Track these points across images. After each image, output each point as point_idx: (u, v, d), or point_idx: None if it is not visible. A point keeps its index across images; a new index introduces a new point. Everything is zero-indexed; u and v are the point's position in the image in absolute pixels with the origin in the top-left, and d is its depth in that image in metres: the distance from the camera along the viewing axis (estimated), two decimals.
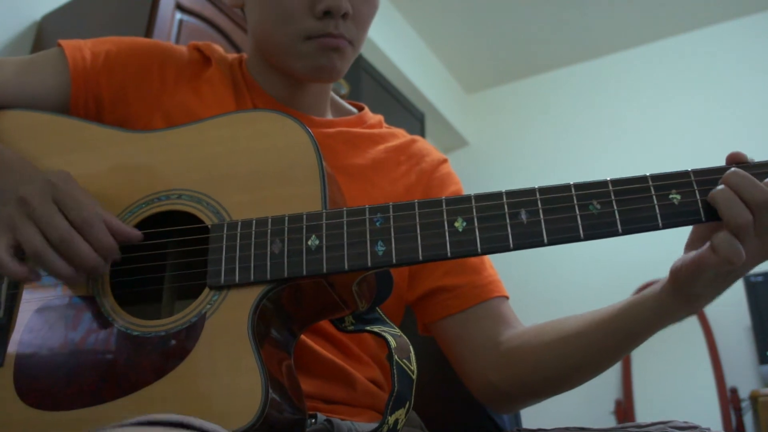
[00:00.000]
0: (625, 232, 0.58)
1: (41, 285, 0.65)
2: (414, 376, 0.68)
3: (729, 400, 2.82)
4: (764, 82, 3.35)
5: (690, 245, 0.64)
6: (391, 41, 3.39)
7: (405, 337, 0.72)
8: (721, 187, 0.56)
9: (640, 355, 3.13)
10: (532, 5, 3.50)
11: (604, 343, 0.74)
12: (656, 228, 0.57)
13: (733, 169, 0.57)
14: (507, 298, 0.87)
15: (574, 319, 0.77)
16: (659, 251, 3.24)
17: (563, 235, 0.57)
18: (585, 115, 3.79)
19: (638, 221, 0.57)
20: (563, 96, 3.90)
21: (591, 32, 3.70)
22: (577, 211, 0.58)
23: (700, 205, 0.57)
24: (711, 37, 3.59)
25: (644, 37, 3.73)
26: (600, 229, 0.57)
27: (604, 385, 3.15)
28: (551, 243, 0.57)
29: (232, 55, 0.92)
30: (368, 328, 0.70)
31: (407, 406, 0.66)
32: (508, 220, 0.58)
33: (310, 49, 0.79)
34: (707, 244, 0.58)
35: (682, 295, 0.64)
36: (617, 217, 0.57)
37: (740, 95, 3.38)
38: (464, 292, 0.84)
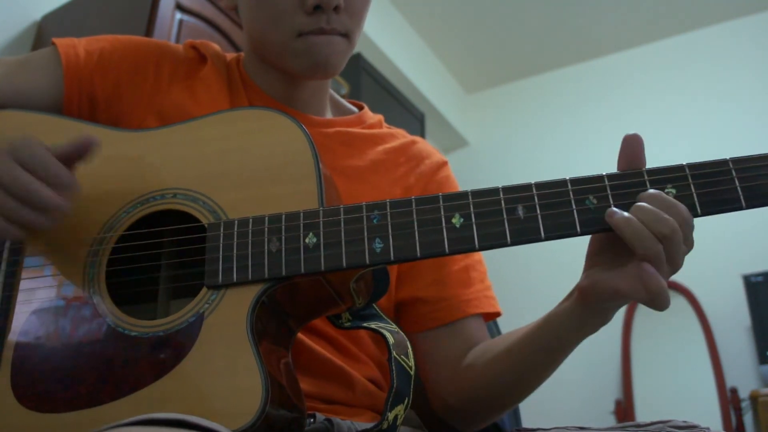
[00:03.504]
0: None
1: (37, 287, 0.65)
2: (412, 372, 0.68)
3: (729, 400, 2.81)
4: (764, 82, 3.35)
5: (593, 255, 0.63)
6: (391, 41, 3.39)
7: (402, 333, 0.72)
8: (626, 215, 0.56)
9: (640, 355, 3.13)
10: (532, 5, 3.49)
11: (529, 359, 0.74)
12: None
13: (638, 204, 0.57)
14: (492, 314, 0.87)
15: (507, 337, 0.78)
16: None
17: (560, 230, 0.58)
18: (585, 115, 3.79)
19: None
20: (563, 96, 3.90)
21: (591, 32, 3.70)
22: (574, 206, 0.58)
23: (696, 199, 0.57)
24: (711, 37, 3.59)
25: (644, 37, 3.73)
26: (597, 223, 0.58)
27: (604, 385, 3.15)
28: (548, 238, 0.57)
29: (230, 54, 0.92)
30: (365, 324, 0.70)
31: (406, 402, 0.66)
32: (505, 216, 0.58)
33: (304, 45, 0.78)
34: (622, 272, 0.58)
35: (595, 311, 0.65)
36: None
37: (740, 95, 3.38)
38: (445, 306, 0.84)
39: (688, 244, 0.58)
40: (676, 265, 0.58)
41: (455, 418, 0.84)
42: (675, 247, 0.56)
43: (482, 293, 0.87)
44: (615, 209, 0.57)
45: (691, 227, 0.57)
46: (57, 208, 0.61)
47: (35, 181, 0.60)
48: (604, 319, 0.66)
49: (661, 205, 0.56)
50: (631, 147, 0.60)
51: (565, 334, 0.69)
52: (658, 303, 0.57)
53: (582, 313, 0.66)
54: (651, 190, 0.57)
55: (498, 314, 0.88)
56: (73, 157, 0.63)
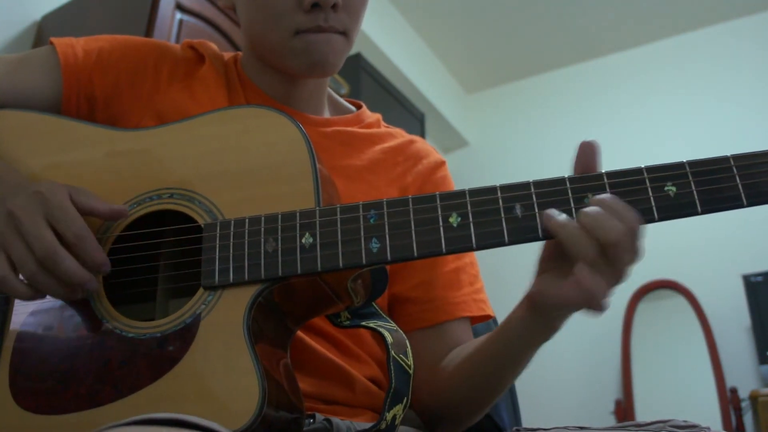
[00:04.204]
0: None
1: None
2: (411, 371, 0.68)
3: (729, 400, 2.81)
4: (764, 82, 3.34)
5: (543, 262, 0.62)
6: (391, 41, 3.39)
7: (401, 331, 0.71)
8: (562, 219, 0.55)
9: (640, 355, 3.13)
10: (532, 5, 3.49)
11: (485, 368, 0.74)
12: (652, 220, 0.56)
13: (583, 209, 0.55)
14: (480, 317, 0.86)
15: (471, 345, 0.77)
16: (659, 247, 3.25)
17: None
18: (585, 115, 3.79)
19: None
20: (563, 96, 3.90)
21: (591, 32, 3.70)
22: (573, 205, 0.57)
23: (696, 196, 0.56)
24: (711, 37, 3.59)
25: (644, 37, 3.73)
26: None
27: (604, 385, 3.15)
28: (547, 237, 0.57)
29: (228, 54, 0.92)
30: (364, 323, 0.69)
31: (405, 401, 0.66)
32: (503, 215, 0.58)
33: (302, 44, 0.78)
34: (570, 280, 0.56)
35: (543, 320, 0.64)
36: None
37: (740, 95, 3.38)
38: (432, 308, 0.84)
39: (637, 254, 0.57)
40: (619, 275, 0.56)
41: (431, 419, 0.83)
42: (618, 254, 0.55)
43: (471, 296, 0.86)
44: (552, 213, 0.56)
45: (637, 236, 0.56)
46: (82, 287, 0.60)
47: (66, 254, 0.58)
48: (553, 327, 0.65)
49: (609, 209, 0.55)
50: (586, 154, 0.59)
51: (516, 342, 0.69)
52: (593, 303, 0.55)
53: (531, 321, 0.65)
54: (603, 195, 0.56)
55: (488, 317, 0.88)
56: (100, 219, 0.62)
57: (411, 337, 0.83)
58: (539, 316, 0.64)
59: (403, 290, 0.85)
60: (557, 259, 0.60)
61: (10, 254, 0.59)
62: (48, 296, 0.62)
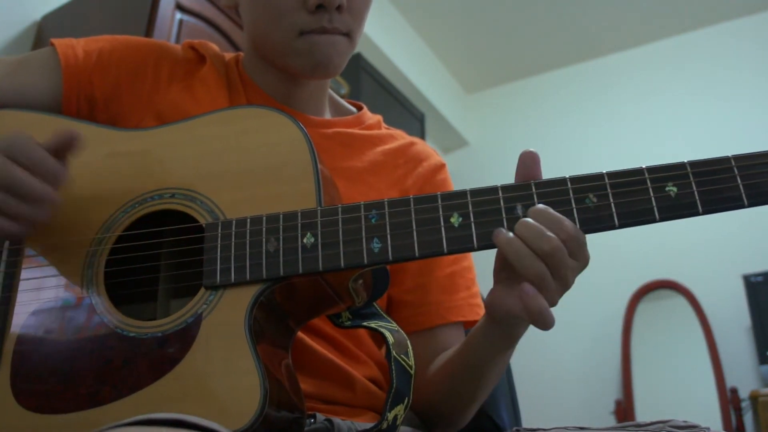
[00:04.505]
0: (622, 226, 0.57)
1: (36, 288, 0.65)
2: (412, 372, 0.68)
3: (729, 400, 2.81)
4: (764, 82, 3.35)
5: (496, 272, 0.63)
6: (391, 41, 3.39)
7: (402, 332, 0.72)
8: (509, 236, 0.56)
9: (640, 355, 3.13)
10: (532, 5, 3.49)
11: (461, 374, 0.75)
12: (653, 221, 0.57)
13: (522, 220, 0.56)
14: (474, 322, 0.86)
15: (451, 350, 0.78)
16: (660, 247, 3.25)
17: None
18: (585, 115, 3.79)
19: (635, 214, 0.57)
20: (563, 96, 3.90)
21: (591, 32, 3.70)
22: (574, 205, 0.57)
23: (696, 196, 0.56)
24: (711, 37, 3.59)
25: (644, 37, 3.73)
26: (597, 222, 0.57)
27: (604, 385, 3.15)
28: None
29: (228, 54, 0.92)
30: (365, 323, 0.70)
31: (406, 401, 0.66)
32: (504, 215, 0.58)
33: (306, 44, 0.78)
34: (515, 294, 0.58)
35: (501, 328, 0.66)
36: (614, 210, 0.57)
37: (740, 95, 3.38)
38: (425, 311, 0.84)
39: (581, 260, 0.58)
40: (565, 283, 0.57)
41: (425, 419, 0.84)
42: (559, 264, 0.55)
43: (467, 301, 0.87)
44: (501, 230, 0.56)
45: (580, 243, 0.56)
46: (52, 201, 0.62)
47: (30, 176, 0.61)
48: (511, 336, 0.66)
49: (546, 220, 0.55)
50: (526, 164, 0.60)
51: (482, 350, 0.70)
52: (540, 323, 0.56)
53: (490, 330, 0.67)
54: (538, 206, 0.57)
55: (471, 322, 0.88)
56: (60, 151, 0.64)
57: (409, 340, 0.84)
58: (496, 326, 0.66)
59: (399, 293, 0.85)
60: (506, 270, 0.61)
61: None
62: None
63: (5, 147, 0.62)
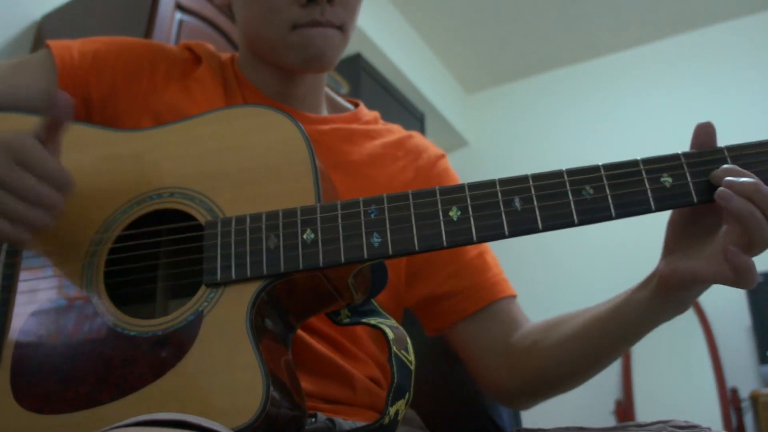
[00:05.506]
0: (619, 216, 0.58)
1: (36, 288, 0.65)
2: (412, 367, 0.68)
3: (729, 400, 2.81)
4: (764, 81, 3.35)
5: (671, 241, 0.64)
6: (391, 41, 3.39)
7: (402, 328, 0.72)
8: (749, 205, 0.55)
9: (640, 354, 3.13)
10: (532, 5, 3.49)
11: (599, 344, 0.74)
12: (649, 211, 0.58)
13: (747, 181, 0.55)
14: (514, 296, 0.87)
15: (572, 320, 0.77)
16: (660, 246, 3.24)
17: (557, 220, 0.58)
18: (585, 115, 3.79)
19: (631, 205, 0.58)
20: (563, 96, 3.90)
21: (591, 32, 3.70)
22: (571, 197, 0.58)
23: (691, 187, 0.58)
24: (711, 37, 3.59)
25: (644, 37, 3.73)
26: (594, 213, 0.58)
27: (604, 385, 3.15)
28: (546, 229, 0.58)
29: (225, 54, 0.92)
30: (365, 320, 0.70)
31: (407, 397, 0.66)
32: (502, 208, 0.58)
33: (299, 38, 0.78)
34: (701, 256, 0.58)
35: (674, 301, 0.65)
36: (610, 201, 0.58)
37: (740, 95, 3.38)
38: (470, 295, 0.84)
39: None
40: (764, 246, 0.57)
41: (512, 399, 0.84)
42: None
43: (501, 276, 0.87)
44: (725, 190, 0.55)
45: None
46: (58, 207, 0.61)
47: (37, 181, 0.60)
48: (681, 308, 0.66)
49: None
50: (699, 136, 0.60)
51: (638, 323, 0.69)
52: (747, 281, 0.55)
53: (661, 303, 0.65)
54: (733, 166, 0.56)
55: (514, 296, 0.88)
56: (54, 127, 0.62)
57: (462, 329, 0.84)
58: (669, 297, 0.64)
59: (431, 288, 0.85)
60: (684, 238, 0.61)
61: None
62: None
63: (7, 148, 0.61)
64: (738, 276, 0.56)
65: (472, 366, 0.86)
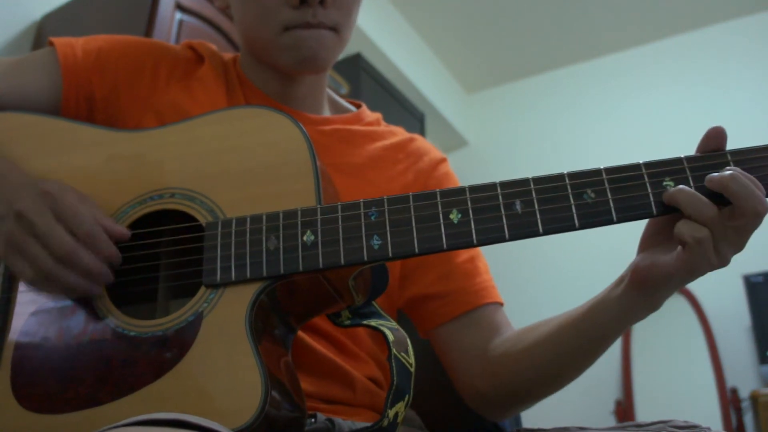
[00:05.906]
0: (620, 220, 0.58)
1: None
2: (412, 369, 0.68)
3: (729, 400, 2.81)
4: (764, 81, 3.35)
5: (649, 237, 0.64)
6: (391, 41, 3.39)
7: (402, 330, 0.72)
8: (732, 174, 0.56)
9: (640, 354, 3.13)
10: (532, 5, 3.49)
11: (574, 347, 0.73)
12: (651, 215, 0.57)
13: (731, 173, 0.56)
14: (500, 304, 0.86)
15: (547, 324, 0.77)
16: None
17: (558, 224, 0.58)
18: (585, 115, 3.79)
19: (633, 209, 0.57)
20: (563, 96, 3.90)
21: (591, 32, 3.70)
22: (572, 200, 0.58)
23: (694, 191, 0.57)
24: (711, 36, 3.59)
25: (644, 37, 3.73)
26: (595, 217, 0.57)
27: (604, 385, 3.15)
28: (546, 233, 0.57)
29: (227, 54, 0.92)
30: (365, 322, 0.70)
31: (407, 399, 0.66)
32: (503, 211, 0.58)
33: (291, 40, 0.78)
34: (675, 252, 0.58)
35: (647, 298, 0.64)
36: (612, 205, 0.57)
37: (740, 95, 3.38)
38: (455, 299, 0.84)
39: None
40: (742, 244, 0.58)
41: (488, 407, 0.83)
42: (755, 224, 0.57)
43: (489, 283, 0.87)
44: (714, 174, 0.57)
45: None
46: (99, 280, 0.62)
47: (85, 250, 0.60)
48: (654, 305, 0.65)
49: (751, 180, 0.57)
50: (709, 139, 0.61)
51: (611, 323, 0.68)
52: (705, 251, 0.56)
53: (632, 300, 0.65)
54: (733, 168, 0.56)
55: (501, 304, 0.88)
56: (112, 238, 0.63)
57: (445, 331, 0.83)
58: (643, 294, 0.64)
59: (421, 288, 0.85)
60: (661, 234, 0.61)
61: (25, 255, 0.61)
62: (52, 296, 0.64)
63: (51, 201, 0.62)
64: (697, 249, 0.56)
65: (451, 373, 0.84)
